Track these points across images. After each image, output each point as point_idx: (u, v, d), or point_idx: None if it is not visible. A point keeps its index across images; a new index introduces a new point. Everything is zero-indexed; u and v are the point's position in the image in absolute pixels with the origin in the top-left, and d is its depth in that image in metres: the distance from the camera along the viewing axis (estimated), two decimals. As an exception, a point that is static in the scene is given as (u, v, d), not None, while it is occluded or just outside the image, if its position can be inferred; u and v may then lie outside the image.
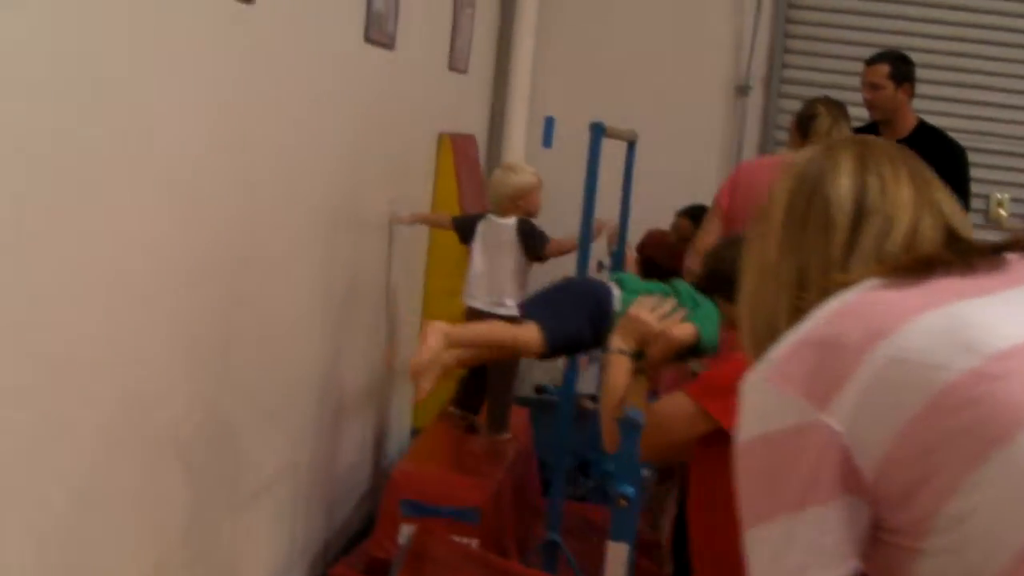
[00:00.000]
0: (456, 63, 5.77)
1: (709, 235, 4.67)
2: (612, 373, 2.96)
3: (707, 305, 3.00)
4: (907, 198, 1.50)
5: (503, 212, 4.75)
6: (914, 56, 6.66)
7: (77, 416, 2.48)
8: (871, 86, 5.36)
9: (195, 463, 3.13)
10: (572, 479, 5.22)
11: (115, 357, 2.61)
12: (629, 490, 2.47)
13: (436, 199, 5.64)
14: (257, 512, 3.66)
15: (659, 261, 6.05)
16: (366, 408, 4.95)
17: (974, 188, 6.67)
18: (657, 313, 2.96)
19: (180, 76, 2.76)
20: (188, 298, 2.93)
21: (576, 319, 3.19)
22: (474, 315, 4.64)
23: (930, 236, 1.47)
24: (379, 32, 4.30)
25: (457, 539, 3.98)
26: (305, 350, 3.98)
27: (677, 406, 2.82)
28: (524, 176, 4.76)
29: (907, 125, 5.41)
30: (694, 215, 5.76)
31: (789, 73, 6.60)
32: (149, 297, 2.72)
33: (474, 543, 4.04)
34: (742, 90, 6.77)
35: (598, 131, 3.85)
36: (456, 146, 5.67)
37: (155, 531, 2.94)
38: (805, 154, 1.56)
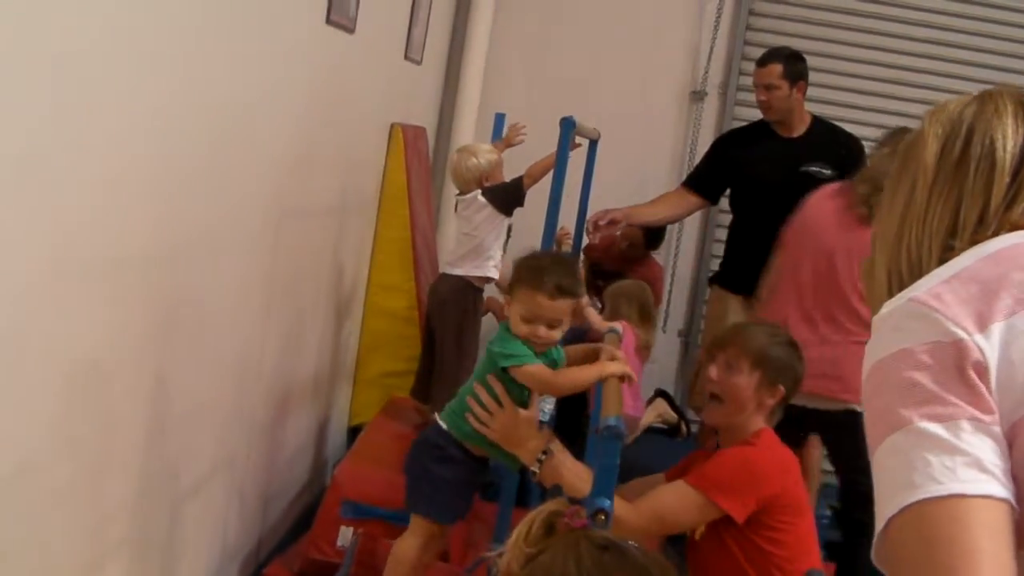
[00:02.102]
0: (412, 53, 5.63)
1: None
2: (563, 472, 2.93)
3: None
4: None
5: (466, 192, 4.68)
6: (869, 67, 6.71)
7: (6, 410, 2.30)
8: (765, 87, 5.32)
9: (130, 458, 2.98)
10: (522, 484, 5.10)
11: (50, 347, 2.44)
12: (607, 504, 2.34)
13: (385, 191, 5.51)
14: (192, 508, 3.52)
15: (605, 266, 6.00)
16: (305, 403, 4.81)
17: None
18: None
19: (125, 50, 2.55)
20: (126, 288, 2.76)
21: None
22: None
23: None
24: (341, 15, 4.15)
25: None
26: (244, 342, 3.82)
27: (684, 499, 3.02)
28: (485, 155, 4.67)
29: (803, 123, 5.39)
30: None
31: (746, 80, 6.52)
32: (85, 287, 2.55)
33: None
34: (698, 95, 6.72)
35: (568, 125, 3.74)
36: (407, 138, 5.54)
37: (88, 529, 2.78)
38: (955, 103, 1.54)
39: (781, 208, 5.26)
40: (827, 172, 5.25)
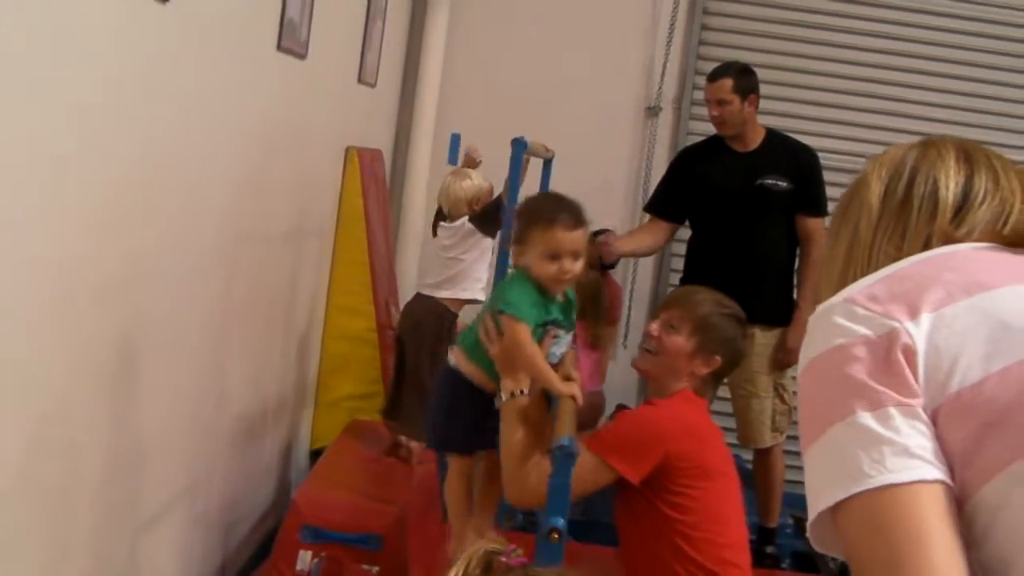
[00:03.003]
0: (366, 76, 5.66)
1: None
2: (508, 422, 2.95)
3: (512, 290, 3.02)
4: (1017, 186, 1.52)
5: (456, 216, 4.71)
6: (823, 80, 6.77)
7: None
8: (717, 103, 5.28)
9: (91, 488, 2.99)
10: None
11: (11, 379, 2.45)
12: (560, 522, 2.36)
13: (342, 214, 5.53)
14: (154, 535, 3.52)
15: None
16: (267, 427, 4.81)
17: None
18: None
19: (80, 75, 2.58)
20: (83, 317, 2.77)
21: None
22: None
23: None
24: (292, 41, 4.18)
25: (361, 567, 3.87)
26: (203, 368, 3.83)
27: (582, 461, 2.83)
28: (477, 180, 4.71)
29: (757, 136, 5.39)
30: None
31: (699, 95, 6.56)
32: (42, 317, 2.56)
33: (375, 571, 3.93)
34: (653, 111, 6.76)
35: (520, 146, 3.75)
36: (363, 161, 5.56)
37: (49, 561, 2.79)
38: (897, 148, 1.60)
39: (739, 221, 5.30)
40: (783, 184, 5.27)
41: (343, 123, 5.48)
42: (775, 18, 6.82)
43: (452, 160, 6.79)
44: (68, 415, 2.77)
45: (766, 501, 5.52)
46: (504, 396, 2.96)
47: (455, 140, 6.80)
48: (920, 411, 1.29)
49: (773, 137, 5.45)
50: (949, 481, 1.27)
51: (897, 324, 1.31)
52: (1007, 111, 6.84)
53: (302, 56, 4.35)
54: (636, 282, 6.87)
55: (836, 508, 1.28)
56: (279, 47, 4.05)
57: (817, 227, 5.36)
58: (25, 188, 2.41)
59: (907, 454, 1.26)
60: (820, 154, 6.70)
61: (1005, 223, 1.47)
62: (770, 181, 5.28)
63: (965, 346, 1.30)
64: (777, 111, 6.70)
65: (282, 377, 4.98)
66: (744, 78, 5.29)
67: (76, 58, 2.54)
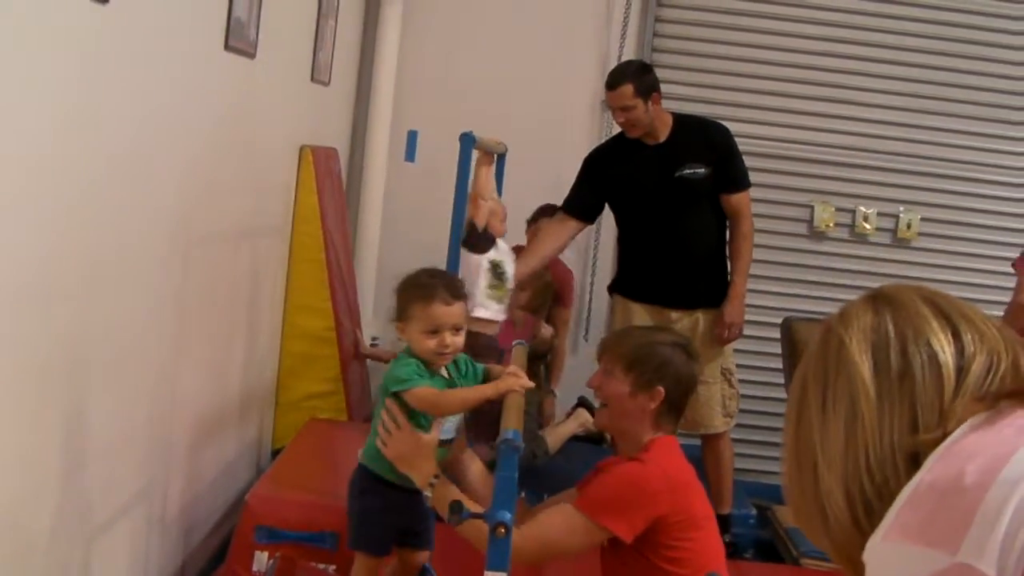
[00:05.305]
0: (318, 75, 5.65)
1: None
2: (442, 507, 2.92)
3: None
4: (997, 336, 1.45)
5: None
6: (782, 71, 6.81)
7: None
8: (621, 110, 5.28)
9: (45, 494, 2.98)
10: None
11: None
12: (507, 517, 2.37)
13: (297, 213, 5.52)
14: (112, 538, 3.51)
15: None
16: (227, 428, 4.80)
17: (840, 202, 6.86)
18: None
19: (19, 79, 2.56)
20: (31, 320, 2.75)
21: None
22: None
23: None
24: (240, 40, 4.16)
25: (316, 566, 3.86)
26: (158, 371, 3.82)
27: (570, 522, 2.96)
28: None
29: (665, 127, 5.38)
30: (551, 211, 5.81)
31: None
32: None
33: (331, 569, 3.92)
34: (607, 104, 6.76)
35: (468, 142, 3.76)
36: (317, 159, 5.55)
37: (5, 563, 2.77)
38: (858, 310, 1.49)
39: (663, 215, 5.32)
40: (701, 171, 5.28)
41: (296, 122, 5.48)
42: (729, 8, 6.86)
43: (410, 157, 6.82)
44: (19, 418, 2.76)
45: (718, 488, 5.55)
46: (426, 492, 2.97)
47: (412, 137, 6.82)
48: None
49: (682, 123, 5.44)
50: None
51: (952, 560, 1.23)
52: (959, 97, 6.89)
53: (251, 55, 4.34)
54: (596, 273, 6.88)
55: None
56: (227, 47, 4.04)
57: (742, 201, 5.40)
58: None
59: None
60: (775, 143, 6.80)
61: (994, 379, 1.40)
62: (688, 171, 5.29)
63: None
64: (732, 102, 6.76)
65: (242, 377, 4.97)
66: (642, 79, 5.26)
67: (13, 62, 2.52)
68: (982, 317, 1.47)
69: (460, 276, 4.25)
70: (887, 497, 1.36)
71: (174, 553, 4.18)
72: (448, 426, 3.07)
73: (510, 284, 4.09)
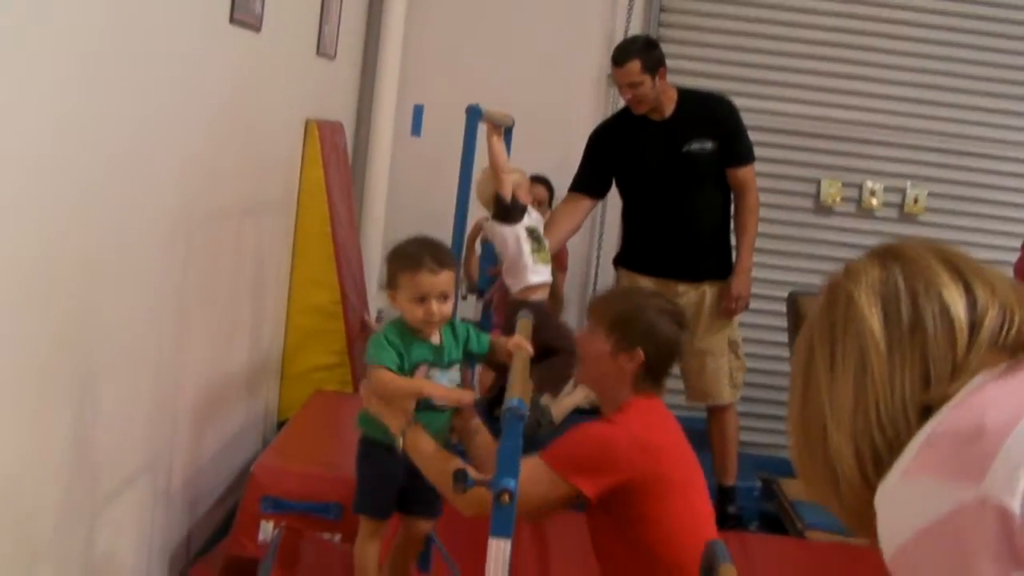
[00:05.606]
0: (324, 48, 5.65)
1: None
2: (415, 453, 2.99)
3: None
4: (1009, 290, 1.43)
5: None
6: (789, 45, 6.81)
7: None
8: (629, 86, 5.27)
9: (50, 464, 2.99)
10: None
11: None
12: (511, 484, 2.39)
13: (303, 188, 5.53)
14: (118, 509, 3.53)
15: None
16: (233, 401, 4.83)
17: (847, 177, 6.86)
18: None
19: (24, 54, 2.56)
20: (36, 297, 2.76)
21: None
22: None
23: None
24: (246, 13, 4.17)
25: (321, 535, 3.88)
26: (165, 343, 3.84)
27: (536, 472, 2.93)
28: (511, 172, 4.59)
29: (671, 102, 5.38)
30: (544, 180, 5.99)
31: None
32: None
33: (337, 539, 3.94)
34: (613, 79, 6.76)
35: (474, 114, 3.76)
36: (323, 133, 5.56)
37: (8, 536, 2.79)
38: (867, 265, 1.48)
39: (670, 190, 5.32)
40: (708, 146, 5.29)
41: (302, 96, 5.48)
42: (736, -17, 6.84)
43: (416, 131, 6.82)
44: (25, 390, 2.77)
45: (723, 460, 5.57)
46: (399, 439, 3.01)
47: (418, 112, 6.82)
48: None
49: (687, 98, 5.44)
50: None
51: (975, 493, 1.23)
52: (967, 72, 6.88)
53: (256, 29, 4.34)
54: (602, 247, 6.89)
55: None
56: (232, 20, 4.04)
57: (748, 175, 5.41)
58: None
59: None
60: (782, 118, 6.79)
61: (1009, 331, 1.39)
62: (695, 147, 5.29)
63: None
64: (739, 76, 6.75)
65: (248, 351, 4.99)
66: (649, 54, 5.25)
67: (17, 38, 2.52)
68: (993, 271, 1.45)
69: (499, 251, 4.30)
70: (898, 450, 1.35)
71: (180, 524, 4.21)
72: (443, 383, 3.10)
73: (548, 247, 4.13)
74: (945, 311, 1.39)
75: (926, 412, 1.36)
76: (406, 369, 3.05)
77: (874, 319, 1.41)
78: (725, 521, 5.40)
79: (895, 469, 1.33)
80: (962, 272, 1.42)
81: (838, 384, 1.43)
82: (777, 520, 5.82)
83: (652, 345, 3.20)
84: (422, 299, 3.00)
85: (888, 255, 1.47)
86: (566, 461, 3.02)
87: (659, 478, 3.06)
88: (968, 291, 1.40)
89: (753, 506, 5.85)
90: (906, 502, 1.30)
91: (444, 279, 3.03)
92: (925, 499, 1.27)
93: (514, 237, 3.98)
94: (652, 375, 3.23)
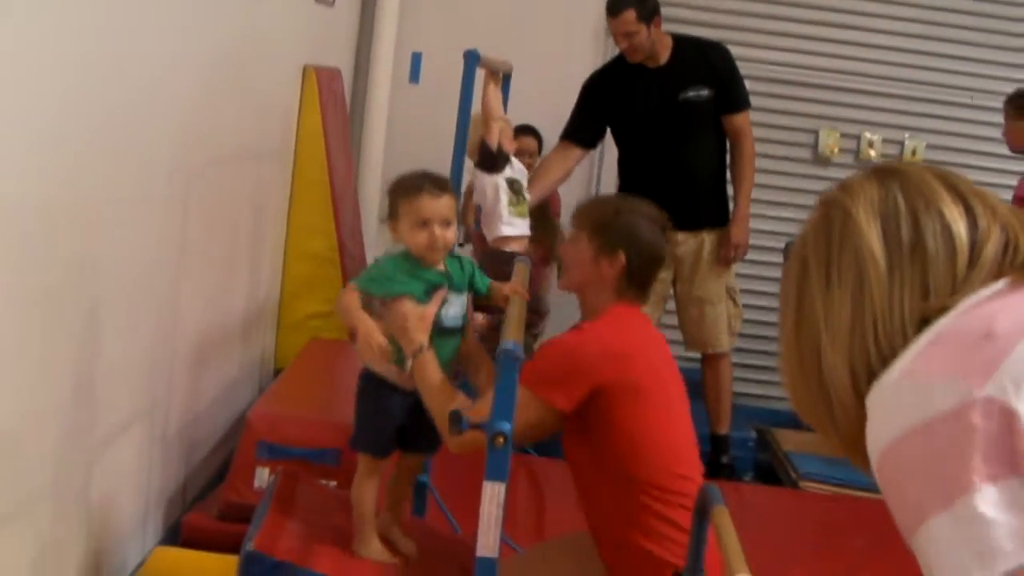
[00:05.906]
0: (322, -6, 5.63)
1: None
2: (424, 375, 2.97)
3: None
4: (1009, 213, 1.41)
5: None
6: (789, 7, 6.78)
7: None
8: (624, 35, 5.26)
9: (47, 410, 2.99)
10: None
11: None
12: (506, 427, 2.39)
13: (300, 134, 5.52)
14: (114, 455, 3.54)
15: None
16: (229, 349, 4.83)
17: (845, 128, 6.85)
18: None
19: (16, 2, 2.54)
20: (32, 243, 2.75)
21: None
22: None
23: None
24: (241, -41, 4.15)
25: (318, 481, 3.89)
26: (162, 291, 3.84)
27: (519, 397, 2.86)
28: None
29: (666, 49, 5.38)
30: (532, 130, 6.02)
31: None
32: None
33: (333, 485, 3.95)
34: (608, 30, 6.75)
35: (472, 59, 3.73)
36: (321, 80, 5.54)
37: (5, 481, 2.80)
38: (863, 184, 1.45)
39: (667, 138, 5.32)
40: (704, 93, 5.29)
41: (299, 42, 5.46)
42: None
43: (414, 79, 6.80)
44: (25, 338, 2.78)
45: (716, 409, 5.59)
46: (409, 362, 2.99)
47: (416, 59, 6.80)
48: None
49: (682, 45, 5.43)
50: None
51: (978, 394, 1.21)
52: (967, 23, 6.85)
53: (253, -25, 4.32)
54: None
55: None
56: (228, -34, 4.03)
57: (744, 122, 5.41)
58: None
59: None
60: (780, 68, 6.78)
61: (1015, 255, 1.36)
62: (692, 94, 5.29)
63: None
64: (737, 25, 6.74)
65: (245, 298, 4.99)
66: (644, 4, 5.22)
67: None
68: (993, 195, 1.43)
69: (477, 201, 4.28)
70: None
71: (176, 470, 4.22)
72: (454, 312, 3.09)
73: (529, 200, 4.09)
74: (947, 229, 1.37)
75: (924, 325, 1.34)
76: (418, 298, 3.03)
77: (873, 237, 1.39)
78: (719, 471, 5.44)
79: (894, 368, 1.31)
80: (962, 193, 1.41)
81: (834, 302, 1.41)
82: (771, 471, 5.85)
83: (634, 249, 3.17)
84: (424, 223, 2.98)
85: (886, 173, 1.45)
86: (538, 378, 2.99)
87: (627, 385, 3.02)
88: (968, 211, 1.38)
89: (748, 456, 5.88)
90: (905, 399, 1.28)
91: (445, 203, 3.01)
92: (927, 395, 1.25)
93: (493, 186, 3.96)
94: (635, 281, 3.20)
